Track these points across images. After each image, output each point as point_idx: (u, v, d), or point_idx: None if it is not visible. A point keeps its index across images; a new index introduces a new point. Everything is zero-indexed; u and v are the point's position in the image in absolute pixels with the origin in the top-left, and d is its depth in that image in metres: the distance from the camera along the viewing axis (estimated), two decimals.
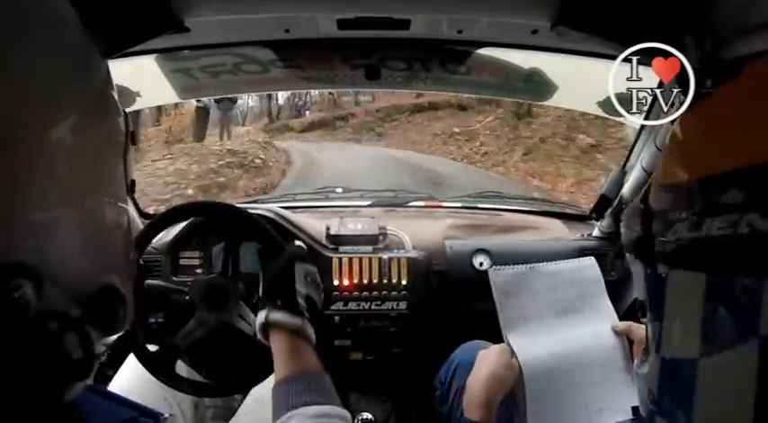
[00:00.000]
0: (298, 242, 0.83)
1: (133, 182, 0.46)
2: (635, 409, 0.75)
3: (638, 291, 0.39)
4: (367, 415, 1.29)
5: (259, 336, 0.72)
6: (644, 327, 0.75)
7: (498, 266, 0.85)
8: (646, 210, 0.37)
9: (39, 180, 0.31)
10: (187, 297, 0.90)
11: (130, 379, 0.93)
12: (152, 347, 0.88)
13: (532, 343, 0.79)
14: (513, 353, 0.79)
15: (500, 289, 0.82)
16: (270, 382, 0.82)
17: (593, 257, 0.89)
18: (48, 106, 0.32)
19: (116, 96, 0.41)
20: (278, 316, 0.70)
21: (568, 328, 0.82)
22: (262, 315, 0.71)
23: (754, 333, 0.27)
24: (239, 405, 1.00)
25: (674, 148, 0.37)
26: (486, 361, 0.78)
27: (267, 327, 0.70)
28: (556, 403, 0.76)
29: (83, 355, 0.35)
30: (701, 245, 0.30)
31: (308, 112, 16.05)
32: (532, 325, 0.81)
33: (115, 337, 0.40)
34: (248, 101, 15.00)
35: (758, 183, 0.27)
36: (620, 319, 1.22)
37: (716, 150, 0.31)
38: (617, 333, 0.82)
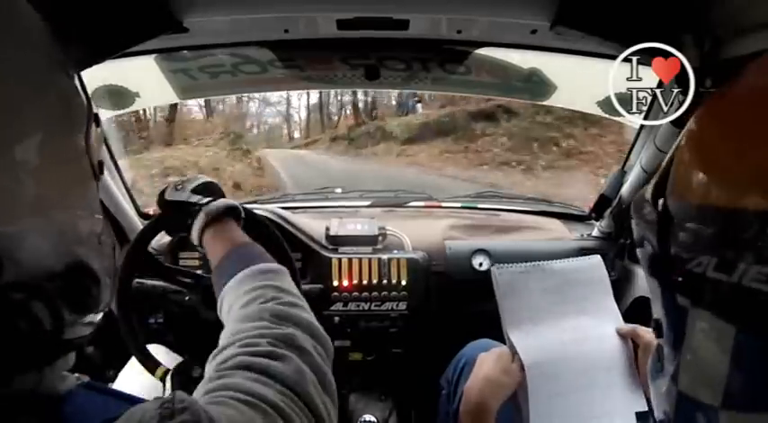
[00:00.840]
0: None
1: (101, 163, 0.44)
2: (639, 415, 0.73)
3: (653, 307, 0.35)
4: (369, 417, 1.28)
5: (196, 240, 0.73)
6: (650, 330, 0.74)
7: (501, 264, 0.81)
8: (662, 219, 0.31)
9: (3, 193, 0.31)
10: (187, 297, 0.91)
11: (131, 381, 0.93)
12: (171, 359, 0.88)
13: (535, 344, 0.77)
14: (515, 354, 0.76)
15: (502, 287, 0.79)
16: None
17: (599, 256, 0.85)
18: (11, 118, 0.32)
19: (84, 104, 0.41)
20: (211, 207, 0.73)
21: (572, 329, 0.79)
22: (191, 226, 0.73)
23: None
24: None
25: (701, 153, 0.31)
26: (483, 365, 0.76)
27: (200, 233, 0.72)
28: (559, 407, 0.74)
29: (52, 332, 0.34)
30: (731, 292, 0.25)
31: (419, 106, 9.07)
32: (535, 325, 0.79)
33: (97, 317, 0.40)
34: (341, 97, 10.74)
35: None
36: (622, 317, 1.23)
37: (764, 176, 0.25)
38: (622, 336, 0.79)
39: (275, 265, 0.60)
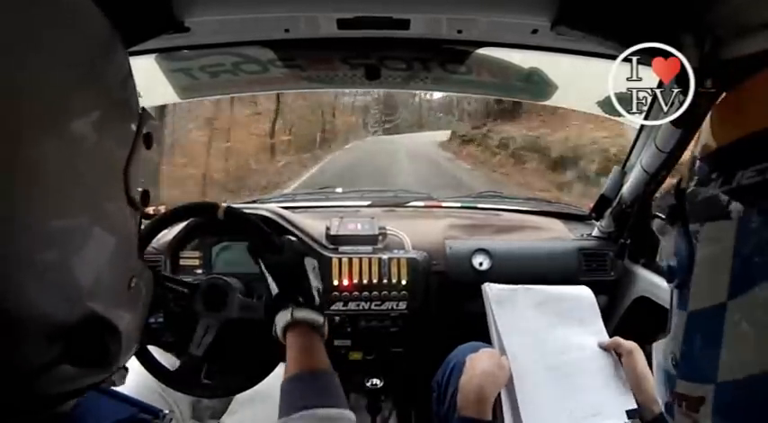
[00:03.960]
0: (290, 237, 0.83)
1: (146, 194, 0.37)
2: (630, 413, 0.77)
3: (666, 258, 0.41)
4: (375, 380, 1.29)
5: (279, 335, 0.72)
6: (630, 342, 0.81)
7: (490, 283, 0.89)
8: (678, 186, 0.39)
9: (59, 180, 0.29)
10: (187, 298, 0.90)
11: (129, 378, 0.93)
12: (168, 363, 0.87)
13: (525, 351, 0.82)
14: (503, 353, 0.82)
15: (493, 301, 0.85)
16: (263, 382, 0.82)
17: (587, 287, 0.92)
18: (69, 100, 0.30)
19: (137, 89, 0.37)
20: (303, 314, 0.70)
21: (558, 340, 0.84)
22: (286, 314, 0.71)
23: None
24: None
25: (710, 129, 0.39)
26: (477, 361, 0.80)
27: (290, 325, 0.70)
28: (548, 408, 0.78)
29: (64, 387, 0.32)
30: (732, 195, 0.32)
31: None
32: (524, 335, 0.84)
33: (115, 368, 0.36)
34: None
35: None
36: (622, 317, 1.24)
37: (742, 120, 0.34)
38: (604, 349, 0.84)
39: (334, 413, 0.60)
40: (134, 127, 0.36)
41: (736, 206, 0.32)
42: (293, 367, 0.66)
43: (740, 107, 0.37)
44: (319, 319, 0.72)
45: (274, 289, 0.75)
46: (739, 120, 0.35)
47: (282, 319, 0.71)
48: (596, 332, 0.87)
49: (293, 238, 0.83)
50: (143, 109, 0.37)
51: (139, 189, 0.36)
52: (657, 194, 0.44)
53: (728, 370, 0.32)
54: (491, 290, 0.86)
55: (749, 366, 0.30)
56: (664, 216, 0.42)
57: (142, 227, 0.95)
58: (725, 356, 0.32)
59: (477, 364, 0.79)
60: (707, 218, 0.35)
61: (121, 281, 0.36)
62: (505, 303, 0.85)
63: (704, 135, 0.38)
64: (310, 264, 0.78)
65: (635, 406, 0.77)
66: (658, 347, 0.42)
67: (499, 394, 0.78)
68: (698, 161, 0.38)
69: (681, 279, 0.38)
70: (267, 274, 0.77)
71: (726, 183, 0.33)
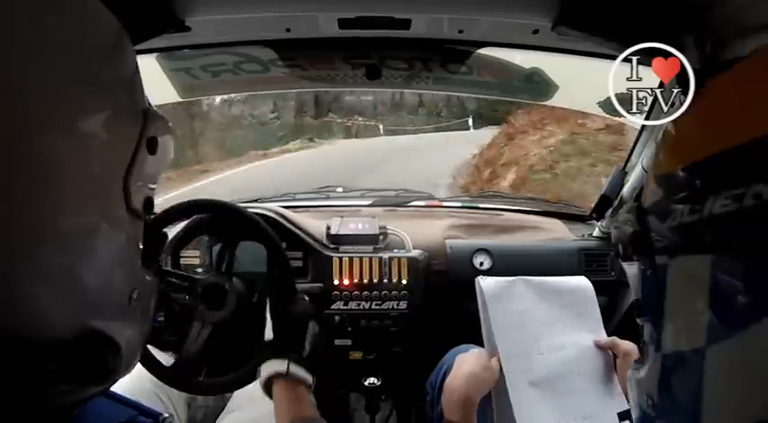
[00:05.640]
0: (305, 297, 0.86)
1: (149, 201, 0.35)
2: (621, 415, 0.76)
3: (633, 292, 0.39)
4: (372, 379, 1.29)
5: (262, 377, 0.73)
6: (628, 342, 0.78)
7: (484, 276, 0.84)
8: (640, 207, 0.35)
9: (67, 183, 0.28)
10: (187, 297, 0.91)
11: (126, 380, 0.93)
12: (165, 359, 0.88)
13: (518, 350, 0.79)
14: (494, 354, 0.79)
15: (487, 296, 0.81)
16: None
17: (585, 278, 0.89)
18: (79, 100, 0.29)
19: (143, 87, 0.36)
20: (300, 372, 0.72)
21: (554, 336, 0.82)
22: (281, 364, 0.72)
23: (767, 310, 0.26)
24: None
25: (667, 141, 0.36)
26: (464, 363, 0.78)
27: (277, 376, 0.72)
28: (540, 411, 0.76)
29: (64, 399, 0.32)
30: (703, 225, 0.28)
31: None
32: (519, 332, 0.81)
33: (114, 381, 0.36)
34: None
35: (761, 155, 0.26)
36: (622, 318, 1.24)
37: (709, 135, 0.31)
38: (600, 347, 0.82)
39: None
40: (138, 130, 0.34)
41: (708, 240, 0.28)
42: (285, 416, 0.68)
43: (713, 116, 0.32)
44: (310, 379, 0.73)
45: (269, 333, 0.77)
46: (705, 133, 0.31)
47: (274, 367, 0.72)
48: (594, 329, 0.84)
49: (307, 298, 0.85)
50: (148, 109, 0.35)
51: (142, 197, 0.34)
52: (614, 225, 0.42)
53: None
54: (485, 284, 0.82)
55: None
56: (622, 241, 0.38)
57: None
58: (706, 411, 0.29)
59: (462, 365, 0.77)
60: (676, 251, 0.31)
61: (122, 294, 0.34)
62: (501, 298, 0.81)
63: (667, 150, 0.35)
64: (313, 329, 0.80)
65: (626, 407, 0.76)
66: (632, 380, 0.39)
67: (490, 395, 0.77)
68: (658, 180, 0.34)
69: (650, 317, 0.35)
70: (268, 318, 0.79)
71: (695, 210, 0.29)
